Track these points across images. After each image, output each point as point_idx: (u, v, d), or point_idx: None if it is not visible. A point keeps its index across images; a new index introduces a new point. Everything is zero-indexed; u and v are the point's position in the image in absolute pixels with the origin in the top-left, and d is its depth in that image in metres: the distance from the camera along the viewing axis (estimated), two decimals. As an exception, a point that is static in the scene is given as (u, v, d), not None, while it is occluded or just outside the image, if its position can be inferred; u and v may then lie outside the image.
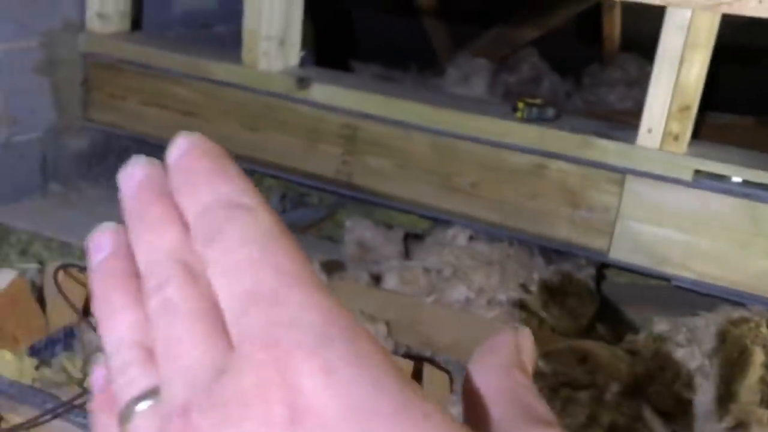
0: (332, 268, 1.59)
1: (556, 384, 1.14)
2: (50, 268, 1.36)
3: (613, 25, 2.58)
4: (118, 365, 0.23)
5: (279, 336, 0.20)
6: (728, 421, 1.08)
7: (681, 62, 1.41)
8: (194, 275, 0.22)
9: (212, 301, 0.22)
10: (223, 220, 0.22)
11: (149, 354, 0.22)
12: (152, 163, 0.26)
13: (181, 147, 0.26)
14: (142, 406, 0.22)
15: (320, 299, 0.21)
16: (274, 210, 0.23)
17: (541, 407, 0.26)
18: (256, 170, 2.03)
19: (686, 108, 1.44)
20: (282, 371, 0.20)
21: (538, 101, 1.61)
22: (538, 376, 1.15)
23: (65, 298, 1.30)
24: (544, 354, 1.21)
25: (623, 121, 1.77)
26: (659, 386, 1.14)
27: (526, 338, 0.28)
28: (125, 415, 0.22)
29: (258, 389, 0.20)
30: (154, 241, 0.23)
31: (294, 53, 1.84)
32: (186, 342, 0.22)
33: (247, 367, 0.20)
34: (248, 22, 1.78)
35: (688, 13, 1.38)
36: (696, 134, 1.51)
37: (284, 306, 0.21)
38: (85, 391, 1.21)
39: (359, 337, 0.21)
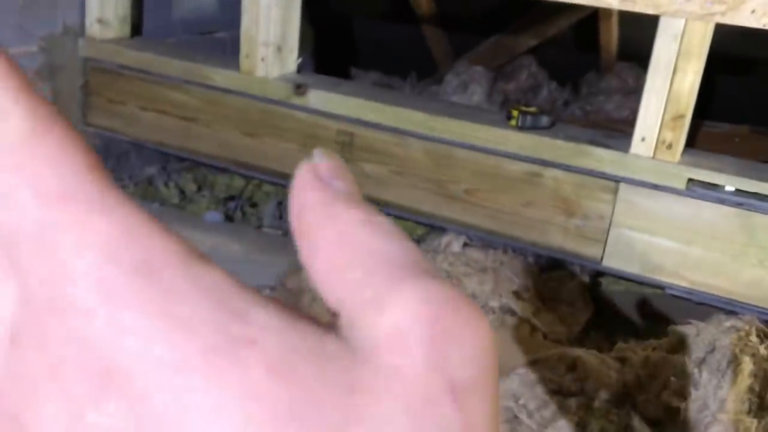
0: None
1: (545, 391, 1.15)
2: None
3: (611, 34, 2.59)
4: None
5: (55, 292, 0.17)
6: (717, 430, 1.08)
7: (674, 71, 1.42)
8: None
9: None
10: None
11: None
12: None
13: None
14: None
15: (100, 227, 0.17)
16: (45, 99, 0.18)
17: (383, 243, 0.19)
18: (254, 176, 2.05)
19: (680, 117, 1.44)
20: (69, 338, 0.17)
21: (532, 109, 1.62)
22: (527, 383, 1.15)
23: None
24: (534, 361, 1.22)
25: (620, 129, 1.78)
26: (648, 394, 1.15)
27: (322, 157, 0.21)
28: None
29: (52, 363, 0.17)
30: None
31: (292, 60, 1.85)
32: None
33: (34, 334, 0.17)
34: (246, 28, 1.79)
35: (681, 23, 1.39)
36: (690, 143, 1.52)
37: (55, 250, 0.17)
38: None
39: (155, 268, 0.17)
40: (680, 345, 1.23)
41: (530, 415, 1.11)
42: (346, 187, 0.20)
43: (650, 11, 1.41)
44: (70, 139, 0.17)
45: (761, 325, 1.17)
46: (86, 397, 0.16)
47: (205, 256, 0.18)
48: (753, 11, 1.33)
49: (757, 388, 1.07)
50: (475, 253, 1.60)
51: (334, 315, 0.19)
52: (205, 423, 0.16)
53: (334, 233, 0.19)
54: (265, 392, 0.16)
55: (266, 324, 0.17)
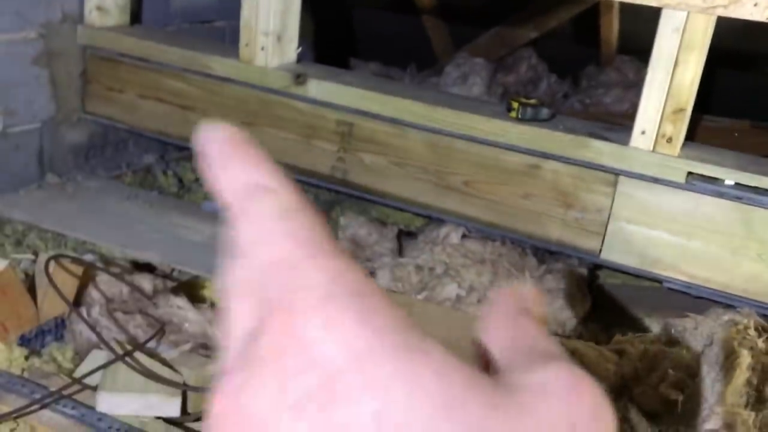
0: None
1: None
2: (42, 258, 1.36)
3: (611, 27, 2.58)
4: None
5: (290, 299, 0.23)
6: (714, 423, 1.08)
7: (676, 64, 1.41)
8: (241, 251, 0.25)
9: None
10: (249, 201, 0.25)
11: None
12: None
13: (208, 134, 0.28)
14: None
15: (329, 263, 0.24)
16: (297, 189, 0.27)
17: (545, 342, 0.27)
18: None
19: (680, 110, 1.44)
20: (291, 329, 0.23)
21: (532, 101, 1.61)
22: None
23: (56, 288, 1.30)
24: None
25: (619, 123, 1.77)
26: (646, 387, 1.15)
27: (526, 286, 0.29)
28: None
29: (273, 347, 0.23)
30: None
31: (291, 49, 1.84)
32: (232, 314, 0.25)
33: (267, 329, 0.23)
34: (246, 17, 1.78)
35: (683, 16, 1.38)
36: (690, 137, 1.51)
37: (296, 272, 0.24)
38: (74, 382, 1.21)
39: (362, 291, 0.23)
40: (678, 338, 1.23)
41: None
42: (537, 311, 0.30)
43: (652, 3, 1.40)
44: (315, 214, 0.25)
45: (760, 319, 1.17)
46: (295, 371, 0.22)
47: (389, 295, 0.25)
48: (756, 4, 1.33)
49: (755, 382, 1.07)
50: (473, 245, 1.59)
51: (489, 365, 0.27)
52: (380, 398, 0.21)
53: (516, 328, 0.28)
54: (429, 387, 0.22)
55: (437, 345, 0.23)
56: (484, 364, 0.28)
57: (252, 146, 0.28)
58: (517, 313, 0.28)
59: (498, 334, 0.28)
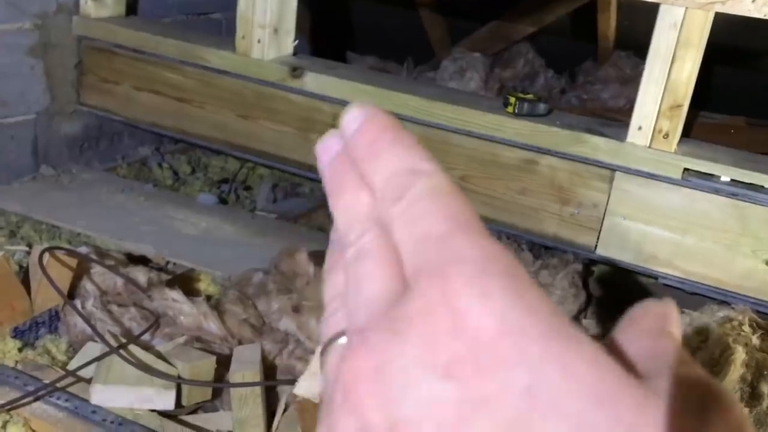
0: (321, 258, 1.59)
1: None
2: (35, 250, 1.35)
3: (609, 23, 2.58)
4: (353, 237, 0.28)
5: (444, 268, 0.24)
6: (707, 419, 1.09)
7: (673, 60, 1.41)
8: (384, 229, 0.27)
9: (396, 249, 0.26)
10: (406, 183, 0.26)
11: (382, 229, 0.27)
12: (338, 135, 0.29)
13: (358, 119, 0.29)
14: (340, 341, 0.27)
15: (483, 242, 0.24)
16: (447, 174, 0.27)
17: (694, 366, 0.26)
18: (248, 159, 2.03)
19: (677, 106, 1.44)
20: (445, 296, 0.23)
21: (529, 96, 1.61)
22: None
23: (50, 280, 1.30)
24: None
25: (615, 118, 1.77)
26: (640, 382, 1.15)
27: (671, 307, 0.29)
28: (326, 349, 0.27)
29: (424, 311, 0.23)
30: (352, 204, 0.28)
31: (288, 42, 1.84)
32: (371, 279, 0.26)
33: (417, 294, 0.24)
34: (242, 9, 1.78)
35: (681, 12, 1.38)
36: (686, 133, 1.51)
37: (451, 246, 0.24)
38: (68, 374, 1.21)
39: (515, 273, 0.24)
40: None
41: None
42: (676, 332, 0.29)
43: (650, -1, 1.40)
44: (467, 199, 0.26)
45: (754, 316, 1.18)
46: (445, 335, 0.23)
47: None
48: (754, 0, 1.32)
49: (749, 378, 1.07)
50: (469, 240, 1.59)
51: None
52: (532, 373, 0.22)
53: (655, 345, 0.27)
54: (582, 374, 0.22)
55: (588, 337, 0.23)
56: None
57: (401, 127, 0.28)
58: (660, 332, 0.28)
59: (638, 349, 0.27)
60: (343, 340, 0.27)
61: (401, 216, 0.26)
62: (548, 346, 0.22)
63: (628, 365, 0.26)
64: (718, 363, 1.11)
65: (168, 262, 1.65)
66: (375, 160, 0.28)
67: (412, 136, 0.28)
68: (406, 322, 0.24)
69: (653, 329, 0.28)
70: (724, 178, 1.44)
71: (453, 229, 0.25)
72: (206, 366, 1.23)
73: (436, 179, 0.27)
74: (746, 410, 1.03)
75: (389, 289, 0.25)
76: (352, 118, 0.29)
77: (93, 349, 1.27)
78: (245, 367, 1.21)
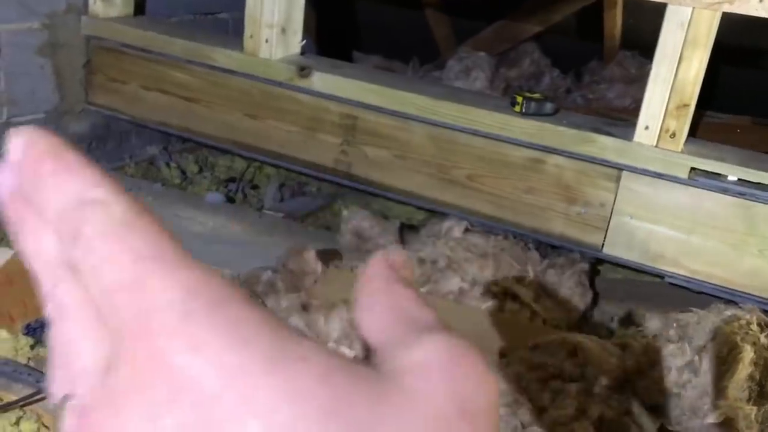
0: (329, 257, 1.60)
1: (545, 376, 1.15)
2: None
3: (615, 22, 2.58)
4: (47, 288, 0.24)
5: (144, 323, 0.21)
6: (716, 417, 1.09)
7: (680, 60, 1.42)
8: (77, 277, 0.23)
9: (95, 300, 0.23)
10: (78, 219, 0.23)
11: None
12: (5, 167, 0.25)
13: (18, 148, 0.24)
14: (70, 405, 0.23)
15: (181, 276, 0.22)
16: (129, 193, 0.23)
17: (421, 312, 0.26)
18: (256, 158, 2.04)
19: (684, 106, 1.44)
20: (154, 357, 0.21)
21: (536, 95, 1.61)
22: (528, 366, 1.16)
23: (62, 278, 1.30)
24: (535, 346, 1.22)
25: (621, 118, 1.78)
26: (648, 381, 1.15)
27: (395, 253, 0.28)
28: (58, 409, 0.24)
29: (136, 378, 0.21)
30: (36, 249, 0.24)
31: (295, 41, 1.84)
32: (76, 347, 0.23)
33: (124, 359, 0.21)
34: (250, 9, 1.78)
35: (688, 11, 1.39)
36: (693, 132, 1.52)
37: (144, 291, 0.21)
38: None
39: (224, 304, 0.22)
40: (680, 333, 1.24)
41: (530, 399, 1.12)
42: (407, 275, 0.28)
43: (658, -1, 1.40)
44: (155, 221, 0.23)
45: (762, 315, 1.18)
46: (165, 402, 0.20)
47: (256, 300, 0.23)
48: (761, 0, 1.33)
49: (757, 377, 1.07)
50: (476, 239, 1.60)
51: (370, 353, 0.26)
52: (264, 416, 0.20)
53: (389, 301, 0.26)
54: (312, 395, 0.21)
55: (314, 348, 0.22)
56: (365, 341, 0.27)
57: (66, 150, 0.24)
58: (391, 281, 0.27)
59: (374, 309, 0.26)
60: (73, 402, 0.23)
61: (83, 262, 0.22)
62: (273, 379, 0.21)
63: (371, 339, 0.26)
64: (726, 362, 1.12)
65: (176, 261, 1.66)
66: (41, 193, 0.23)
67: (80, 158, 0.24)
68: (123, 394, 0.21)
69: (384, 283, 0.27)
70: (731, 178, 1.45)
71: (142, 269, 0.22)
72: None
73: (112, 208, 0.23)
74: (754, 408, 1.04)
75: (98, 356, 0.22)
76: (13, 147, 0.24)
77: (104, 346, 1.28)
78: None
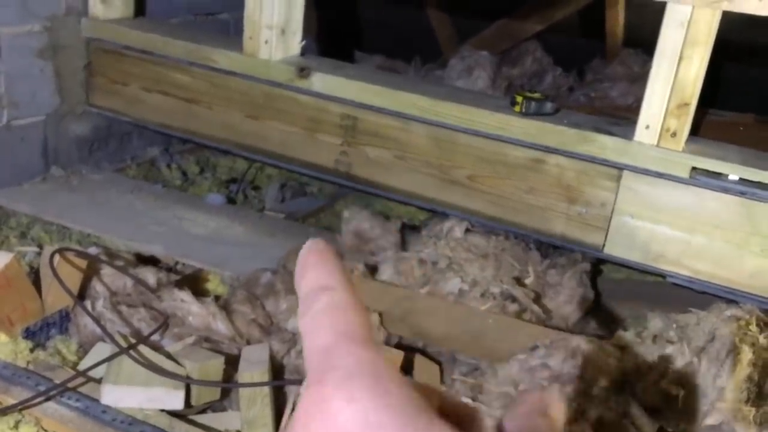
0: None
1: (544, 377, 1.15)
2: (46, 251, 1.37)
3: (617, 21, 2.57)
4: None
5: (322, 376, 0.29)
6: (715, 418, 1.09)
7: (680, 59, 1.41)
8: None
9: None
10: (313, 299, 0.32)
11: None
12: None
13: (305, 248, 0.34)
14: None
15: (359, 351, 0.30)
16: (351, 281, 0.33)
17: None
18: (256, 159, 2.04)
19: (684, 105, 1.44)
20: (321, 400, 0.28)
21: (536, 95, 1.61)
22: (526, 369, 1.16)
23: (60, 281, 1.31)
24: (534, 348, 1.22)
25: (624, 116, 1.77)
26: (647, 382, 1.15)
27: (552, 392, 0.35)
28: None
29: (306, 411, 0.28)
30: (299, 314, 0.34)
31: (295, 42, 1.84)
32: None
33: (305, 397, 0.29)
34: (250, 10, 1.78)
35: (688, 10, 1.38)
36: (694, 131, 1.51)
37: (331, 356, 0.29)
38: (79, 374, 1.22)
39: (381, 375, 0.29)
40: (680, 333, 1.23)
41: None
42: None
43: (657, -2, 1.40)
44: (361, 305, 0.32)
45: (762, 315, 1.17)
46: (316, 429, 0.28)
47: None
48: None
49: (756, 377, 1.07)
50: (477, 239, 1.59)
51: None
52: None
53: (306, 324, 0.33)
54: None
55: (442, 426, 0.28)
56: None
57: (330, 254, 0.34)
58: (535, 411, 0.34)
59: (516, 423, 0.34)
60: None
61: (304, 328, 0.31)
62: None
63: None
64: (724, 363, 1.11)
65: (177, 263, 1.66)
66: (300, 279, 0.33)
67: (337, 257, 0.34)
68: (295, 419, 0.29)
69: (528, 410, 0.34)
70: (733, 177, 1.44)
71: (335, 341, 0.30)
72: (215, 366, 1.24)
73: (337, 295, 0.32)
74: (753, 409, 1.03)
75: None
76: (303, 248, 0.35)
77: (103, 349, 1.28)
78: (254, 367, 1.22)
